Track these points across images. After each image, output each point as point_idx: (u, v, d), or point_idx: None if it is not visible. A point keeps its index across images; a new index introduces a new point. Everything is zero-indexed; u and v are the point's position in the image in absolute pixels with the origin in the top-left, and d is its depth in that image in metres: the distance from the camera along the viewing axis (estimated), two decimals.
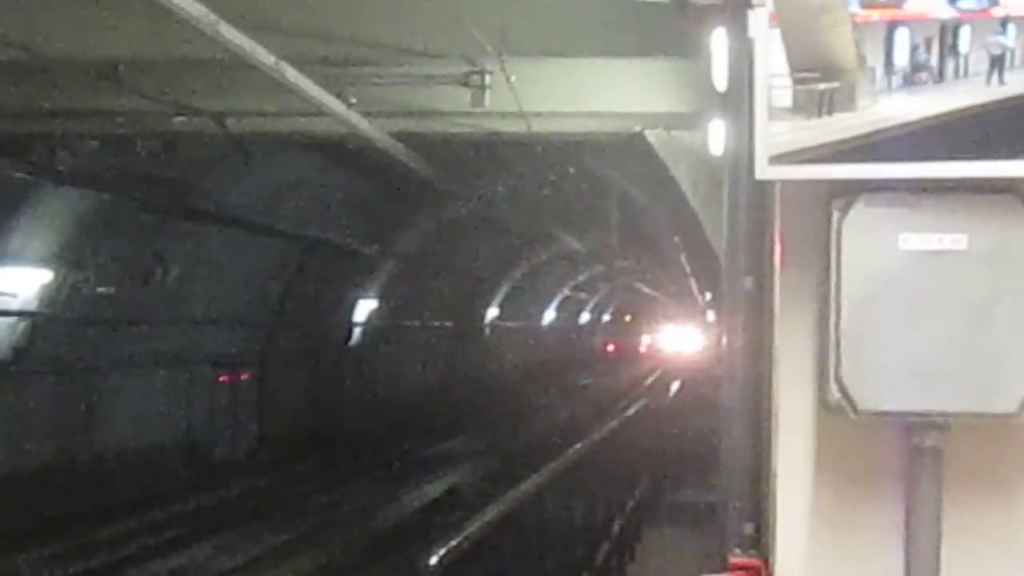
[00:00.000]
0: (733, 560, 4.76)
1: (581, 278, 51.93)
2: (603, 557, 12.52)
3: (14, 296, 19.35)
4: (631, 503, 15.92)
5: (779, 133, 4.37)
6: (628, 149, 15.40)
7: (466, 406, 39.19)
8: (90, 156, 17.79)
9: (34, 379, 20.69)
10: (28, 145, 16.58)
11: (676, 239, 27.46)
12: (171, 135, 16.16)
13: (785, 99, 4.40)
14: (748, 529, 4.95)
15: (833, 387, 4.36)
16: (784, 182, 4.56)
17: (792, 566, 4.63)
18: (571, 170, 20.86)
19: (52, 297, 20.29)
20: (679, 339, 65.04)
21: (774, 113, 4.38)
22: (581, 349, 63.18)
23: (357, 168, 22.98)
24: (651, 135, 13.69)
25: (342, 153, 20.86)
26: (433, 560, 5.01)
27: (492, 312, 45.43)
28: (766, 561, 4.74)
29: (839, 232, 4.36)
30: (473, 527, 5.98)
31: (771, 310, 4.78)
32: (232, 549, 19.18)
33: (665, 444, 21.78)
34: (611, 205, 26.00)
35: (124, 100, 13.14)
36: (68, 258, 20.10)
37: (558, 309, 56.20)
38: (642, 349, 73.92)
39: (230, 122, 14.10)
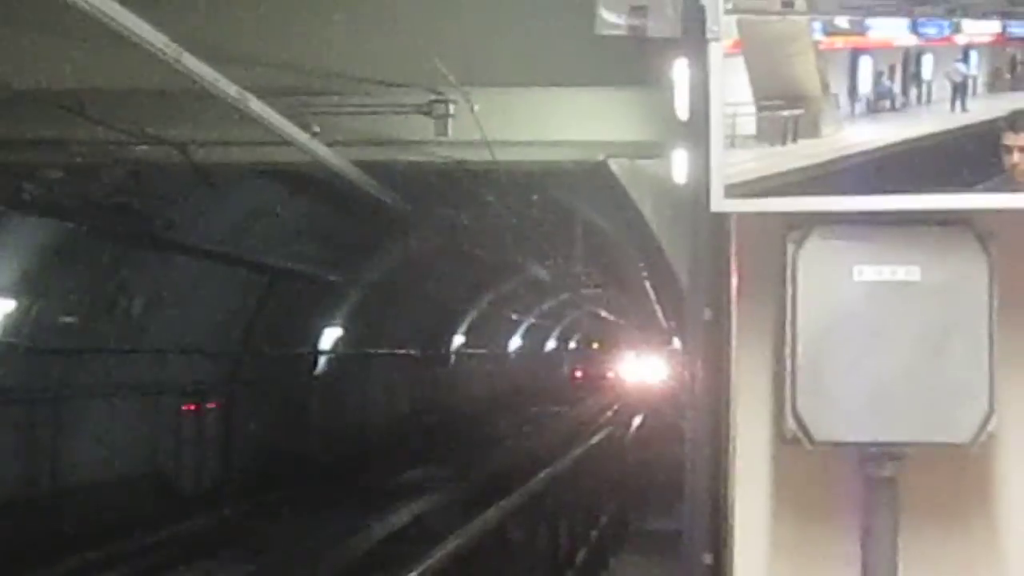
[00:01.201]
0: None
1: (547, 306, 51.98)
2: None
3: None
4: (595, 532, 15.94)
5: (742, 161, 4.40)
6: (592, 178, 15.40)
7: (433, 434, 39.12)
8: (54, 186, 17.72)
9: None
10: None
11: (641, 267, 27.51)
12: (135, 165, 16.12)
13: (750, 127, 4.43)
14: (707, 559, 4.97)
15: (790, 418, 4.40)
16: (741, 214, 4.59)
17: None
18: (536, 199, 20.90)
19: (15, 326, 20.19)
20: (645, 367, 64.68)
21: (738, 141, 4.41)
22: (548, 376, 63.16)
23: (322, 197, 22.96)
24: (615, 164, 13.70)
25: (307, 182, 20.85)
26: None
27: (458, 340, 45.46)
28: None
29: (794, 264, 4.40)
30: (435, 557, 5.99)
31: (729, 342, 4.81)
32: None
33: (631, 472, 21.80)
34: (576, 234, 26.02)
35: (87, 130, 13.09)
36: (31, 287, 20.01)
37: (524, 336, 56.24)
38: (610, 375, 73.84)
39: (193, 151, 14.07)
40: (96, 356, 22.56)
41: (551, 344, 64.53)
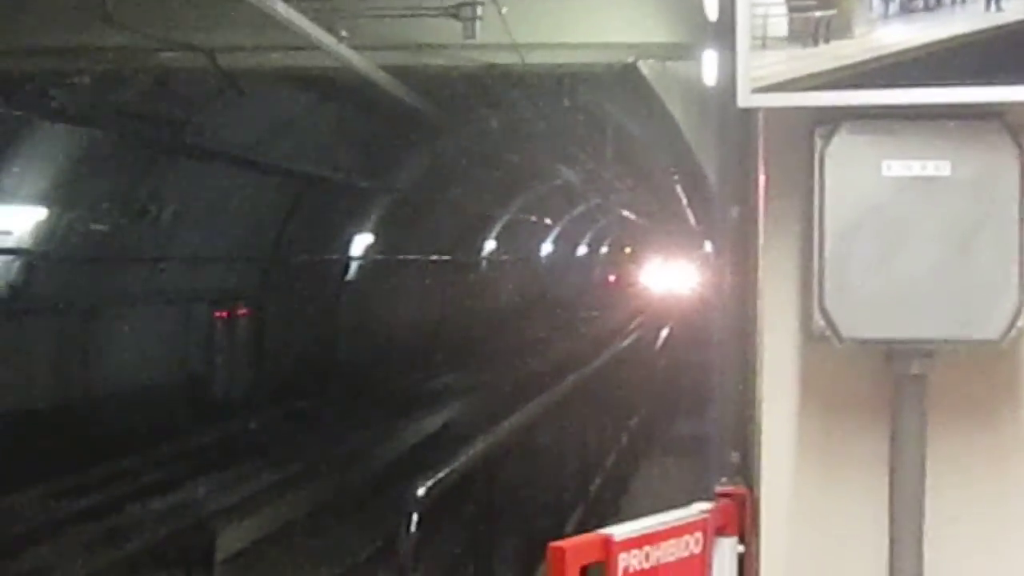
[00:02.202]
0: (718, 489, 4.78)
1: (578, 211, 51.89)
2: (596, 489, 12.59)
3: (8, 234, 19.33)
4: (625, 435, 15.99)
5: (772, 63, 4.34)
6: (622, 81, 15.32)
7: (464, 339, 39.24)
8: (83, 93, 17.72)
9: (30, 317, 20.70)
10: (20, 83, 16.52)
11: (672, 171, 27.42)
12: (162, 71, 16.11)
13: (781, 28, 4.37)
14: (734, 458, 4.98)
15: (817, 316, 4.36)
16: (768, 111, 4.54)
17: (777, 494, 4.65)
18: (566, 102, 20.78)
19: (47, 235, 20.27)
20: (677, 273, 63.91)
21: (770, 43, 4.35)
22: (579, 281, 63.11)
23: (352, 103, 22.89)
24: (645, 66, 13.62)
25: (337, 88, 20.78)
26: (420, 491, 5.03)
27: (490, 245, 45.43)
28: (752, 489, 4.76)
29: (822, 160, 4.35)
30: (462, 459, 6.01)
31: (756, 240, 4.78)
32: (231, 486, 19.26)
33: (662, 375, 21.81)
34: (607, 137, 25.91)
35: (114, 36, 13.08)
36: (62, 196, 20.06)
37: (555, 242, 56.21)
38: (641, 280, 73.48)
39: (221, 58, 14.03)
40: (127, 264, 22.65)
41: (583, 250, 64.47)
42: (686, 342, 24.43)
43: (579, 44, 13.64)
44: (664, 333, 23.82)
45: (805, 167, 4.42)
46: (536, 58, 13.81)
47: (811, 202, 4.39)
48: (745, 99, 4.34)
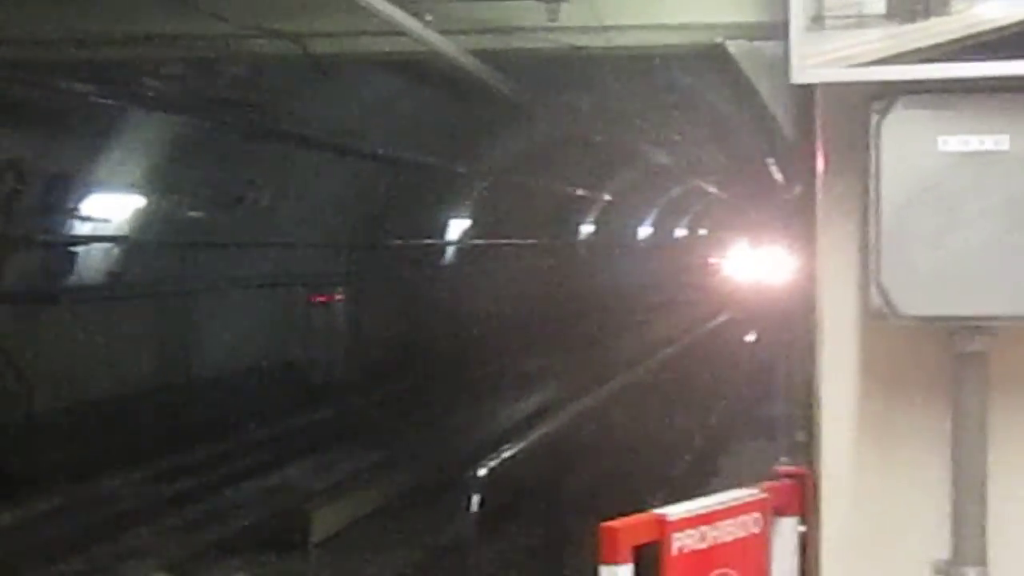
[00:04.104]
0: (780, 468, 4.75)
1: (676, 192, 51.63)
2: (683, 470, 12.54)
3: (107, 222, 19.59)
4: (714, 417, 15.92)
5: (866, 41, 4.30)
6: (710, 61, 15.20)
7: (560, 324, 39.21)
8: (176, 81, 17.89)
9: (129, 304, 20.97)
10: (114, 72, 16.69)
11: (764, 152, 27.20)
12: (253, 58, 16.21)
13: (879, 5, 4.31)
14: (799, 437, 4.95)
15: (875, 293, 4.33)
16: (826, 88, 4.52)
17: (837, 473, 4.62)
18: (656, 83, 20.66)
19: (145, 222, 20.52)
20: (776, 254, 62.47)
21: (867, 21, 4.31)
22: (676, 265, 62.76)
23: (443, 88, 22.92)
24: (732, 46, 13.49)
25: (427, 74, 20.82)
26: (481, 472, 5.05)
27: (586, 228, 45.35)
28: (813, 469, 4.73)
29: (878, 135, 4.31)
30: (530, 440, 6.02)
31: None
32: (327, 468, 19.42)
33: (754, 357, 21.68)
34: (699, 118, 25.75)
35: (204, 24, 13.18)
36: (159, 183, 20.29)
37: (653, 224, 56.01)
38: (741, 261, 72.39)
39: (311, 44, 14.10)
40: (224, 250, 22.86)
41: (681, 232, 64.14)
42: (777, 325, 24.24)
43: (665, 25, 13.52)
44: (756, 315, 23.68)
45: (862, 144, 4.38)
46: (623, 40, 13.73)
47: (867, 179, 4.35)
48: (799, 74, 4.31)
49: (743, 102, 17.98)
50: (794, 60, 4.29)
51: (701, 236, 68.93)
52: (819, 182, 4.61)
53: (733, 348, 19.30)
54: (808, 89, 4.67)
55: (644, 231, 55.63)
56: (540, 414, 23.52)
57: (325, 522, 15.52)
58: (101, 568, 14.27)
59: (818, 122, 4.59)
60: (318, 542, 15.10)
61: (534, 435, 5.90)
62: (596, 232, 45.96)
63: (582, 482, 7.17)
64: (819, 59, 4.31)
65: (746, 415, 17.65)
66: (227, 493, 17.95)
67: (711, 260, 70.49)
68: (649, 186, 46.29)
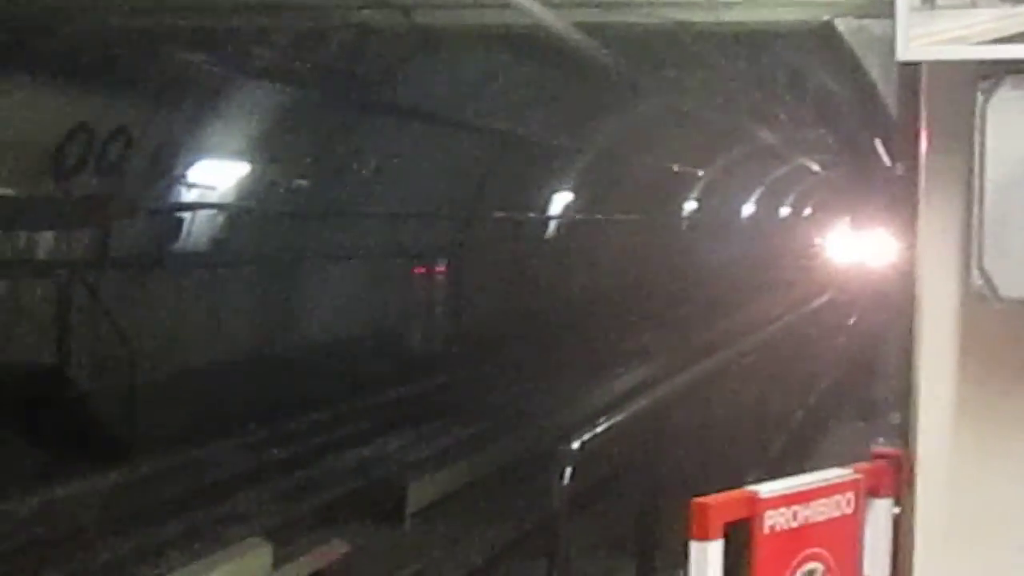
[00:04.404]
0: (875, 449, 4.71)
1: (781, 171, 51.23)
2: (779, 450, 12.49)
3: (213, 189, 19.78)
4: (813, 397, 15.81)
5: (981, 21, 4.22)
6: (818, 39, 15.05)
7: (664, 300, 39.11)
8: (283, 51, 18.00)
9: (233, 271, 21.18)
10: (222, 41, 16.82)
11: (872, 131, 26.88)
12: (360, 29, 16.28)
13: None
14: (895, 419, 4.90)
15: (976, 275, 4.26)
16: (932, 66, 4.45)
17: (933, 455, 4.57)
18: (763, 60, 20.49)
19: (250, 190, 20.69)
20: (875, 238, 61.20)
21: (976, 0, 4.24)
22: (781, 244, 62.30)
23: (549, 62, 22.88)
24: (841, 23, 13.35)
25: (533, 47, 20.79)
26: (575, 445, 5.05)
27: (690, 206, 45.16)
28: (909, 451, 4.68)
29: (984, 115, 4.24)
30: (626, 414, 6.01)
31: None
32: (425, 440, 19.53)
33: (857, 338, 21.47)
34: (806, 97, 25.50)
35: None
36: (264, 152, 20.44)
37: (757, 203, 55.64)
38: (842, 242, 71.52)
39: (417, 15, 14.13)
40: (328, 219, 23.01)
41: (785, 211, 63.65)
42: (879, 306, 24.02)
43: (773, 2, 13.43)
44: (858, 296, 23.46)
45: (967, 125, 4.32)
46: (729, 16, 13.66)
47: (972, 159, 4.29)
48: (905, 52, 4.25)
49: (851, 81, 17.80)
50: (900, 38, 4.23)
51: (805, 216, 68.33)
52: (923, 163, 4.56)
53: (834, 329, 19.14)
54: (915, 68, 4.60)
55: (748, 209, 55.29)
56: (639, 390, 23.52)
57: (421, 493, 15.61)
58: (201, 532, 14.43)
59: (923, 102, 4.53)
60: (414, 513, 15.17)
61: (630, 410, 5.90)
62: (699, 209, 45.75)
63: (677, 458, 7.15)
64: (926, 38, 4.25)
65: (846, 396, 17.54)
66: (325, 462, 18.10)
67: (814, 240, 69.78)
68: (754, 164, 45.96)
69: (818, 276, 53.20)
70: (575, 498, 4.88)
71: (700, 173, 42.76)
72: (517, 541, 14.25)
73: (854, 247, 59.09)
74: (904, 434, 4.77)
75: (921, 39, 4.21)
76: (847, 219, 62.75)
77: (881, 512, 4.58)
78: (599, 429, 5.36)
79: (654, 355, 28.30)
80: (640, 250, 39.55)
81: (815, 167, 48.34)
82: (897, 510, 4.64)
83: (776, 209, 61.60)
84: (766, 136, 34.30)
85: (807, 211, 68.22)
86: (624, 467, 5.96)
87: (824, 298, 18.65)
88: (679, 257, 43.82)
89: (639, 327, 33.88)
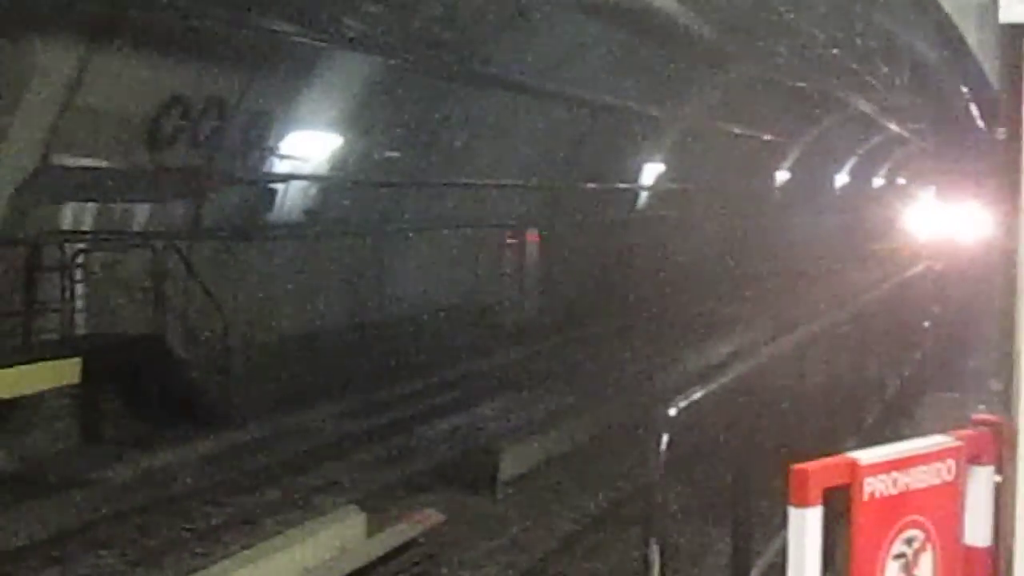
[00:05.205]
0: (975, 416, 4.66)
1: (875, 141, 50.74)
2: (874, 419, 12.37)
3: (305, 161, 19.88)
4: (907, 368, 15.65)
5: None
6: (914, 5, 14.87)
7: (750, 271, 38.93)
8: (374, 22, 18.04)
9: (326, 241, 21.30)
10: (314, 12, 16.89)
11: (970, 101, 26.51)
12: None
13: None
14: (995, 386, 4.85)
15: None
16: None
17: None
18: (857, 27, 20.29)
19: (342, 161, 20.79)
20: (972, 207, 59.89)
21: None
22: (874, 215, 61.72)
23: (639, 31, 22.80)
24: None
25: (624, 16, 20.71)
26: (672, 412, 5.04)
27: (781, 176, 44.86)
28: (1011, 419, 4.62)
29: None
30: (721, 381, 5.99)
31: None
32: (517, 409, 19.56)
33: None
34: (901, 64, 25.22)
35: None
36: (356, 123, 20.52)
37: (851, 172, 55.15)
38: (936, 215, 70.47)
39: None
40: (419, 189, 23.08)
41: (879, 181, 63.06)
42: (977, 276, 23.72)
43: None
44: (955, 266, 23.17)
45: None
46: None
47: None
48: (1007, 13, 4.19)
49: (946, 46, 17.57)
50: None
51: (899, 185, 67.59)
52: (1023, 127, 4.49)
53: (929, 298, 18.93)
54: (1017, 32, 4.54)
55: (841, 179, 54.81)
56: (732, 359, 23.43)
57: (514, 462, 15.63)
58: (294, 500, 14.56)
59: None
60: (506, 481, 15.20)
61: (725, 378, 5.88)
62: (791, 179, 45.43)
63: (773, 426, 7.12)
64: None
65: (941, 366, 17.40)
66: (418, 431, 18.19)
67: (906, 208, 68.94)
68: (847, 133, 45.57)
69: (914, 244, 52.52)
70: (671, 465, 4.88)
71: (792, 143, 42.45)
72: (610, 509, 14.25)
73: (942, 218, 57.86)
74: (1006, 401, 4.71)
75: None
76: (946, 187, 61.58)
77: (982, 480, 4.53)
78: (696, 396, 5.34)
79: (747, 325, 28.17)
80: (732, 220, 39.38)
81: (909, 136, 47.82)
82: (999, 478, 4.59)
83: (869, 179, 61.04)
84: (859, 104, 33.95)
85: (901, 181, 67.52)
86: (720, 434, 5.96)
87: (918, 268, 18.40)
88: (771, 227, 43.58)
89: (731, 297, 33.76)
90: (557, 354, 24.77)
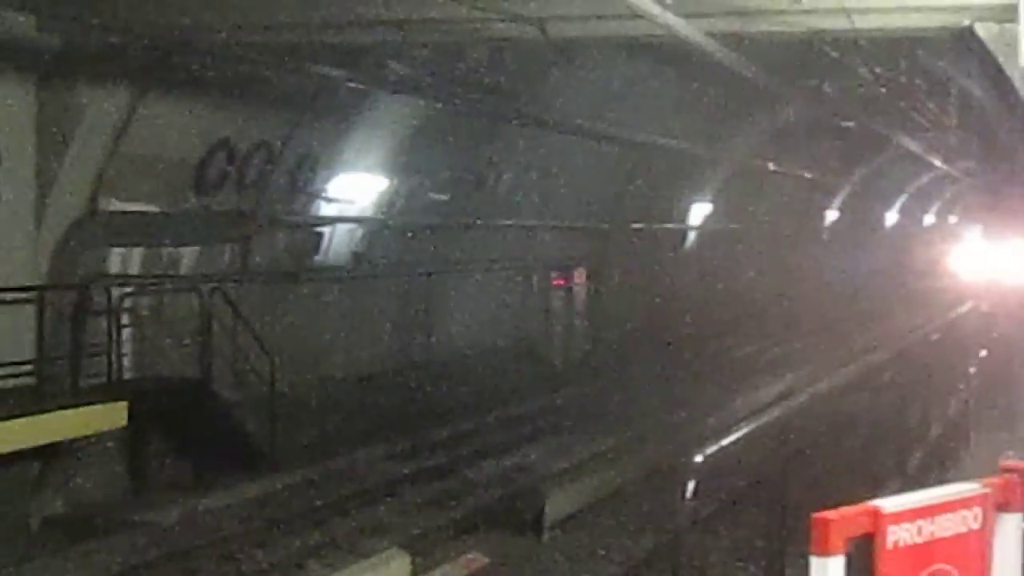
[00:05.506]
0: (1003, 463, 4.61)
1: (925, 179, 50.53)
2: (917, 465, 12.28)
3: (352, 203, 19.99)
4: (954, 406, 15.54)
5: None
6: (959, 44, 14.84)
7: (803, 309, 38.76)
8: (420, 65, 18.13)
9: (373, 284, 21.37)
10: (360, 56, 17.00)
11: (1017, 138, 26.39)
12: (495, 42, 16.35)
13: None
14: None
15: None
16: None
17: None
18: (903, 66, 20.22)
19: (388, 204, 20.88)
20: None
21: None
22: (924, 253, 61.33)
23: (684, 72, 22.82)
24: (981, 28, 13.15)
25: (668, 57, 20.75)
26: (698, 459, 5.03)
27: (831, 215, 44.72)
28: None
29: None
30: (756, 424, 5.97)
31: None
32: (563, 451, 19.50)
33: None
34: (948, 103, 25.15)
35: (448, 8, 13.35)
36: (402, 165, 20.62)
37: (901, 211, 54.92)
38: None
39: (551, 27, 14.16)
40: (466, 231, 23.14)
41: (929, 219, 62.73)
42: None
43: (911, 7, 13.27)
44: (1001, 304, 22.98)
45: None
46: (866, 23, 13.51)
47: None
48: None
49: (993, 85, 17.50)
50: (1023, 41, 4.17)
51: (951, 224, 67.25)
52: None
53: (975, 339, 18.79)
54: None
55: (891, 217, 54.59)
56: (778, 401, 23.31)
57: (561, 504, 15.58)
58: (340, 543, 14.56)
59: None
60: (552, 524, 15.15)
61: (763, 419, 5.86)
62: (841, 218, 45.28)
63: (811, 470, 7.08)
64: None
65: (985, 407, 17.26)
66: (464, 472, 18.17)
67: (954, 247, 68.39)
68: (897, 171, 45.42)
69: (962, 284, 52.12)
70: (724, 507, 4.85)
71: (841, 181, 42.32)
72: (656, 552, 14.17)
73: (988, 257, 57.10)
74: None
75: None
76: (995, 226, 60.95)
77: (1010, 527, 4.48)
78: (725, 442, 5.32)
79: (793, 365, 28.03)
80: (780, 260, 39.26)
81: (960, 174, 47.61)
82: None
83: (920, 217, 60.75)
84: (908, 143, 33.84)
85: (952, 219, 67.15)
86: (754, 480, 5.91)
87: (966, 306, 18.29)
88: (820, 267, 43.42)
89: (780, 338, 33.61)
90: (604, 395, 24.70)
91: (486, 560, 13.00)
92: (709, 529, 13.99)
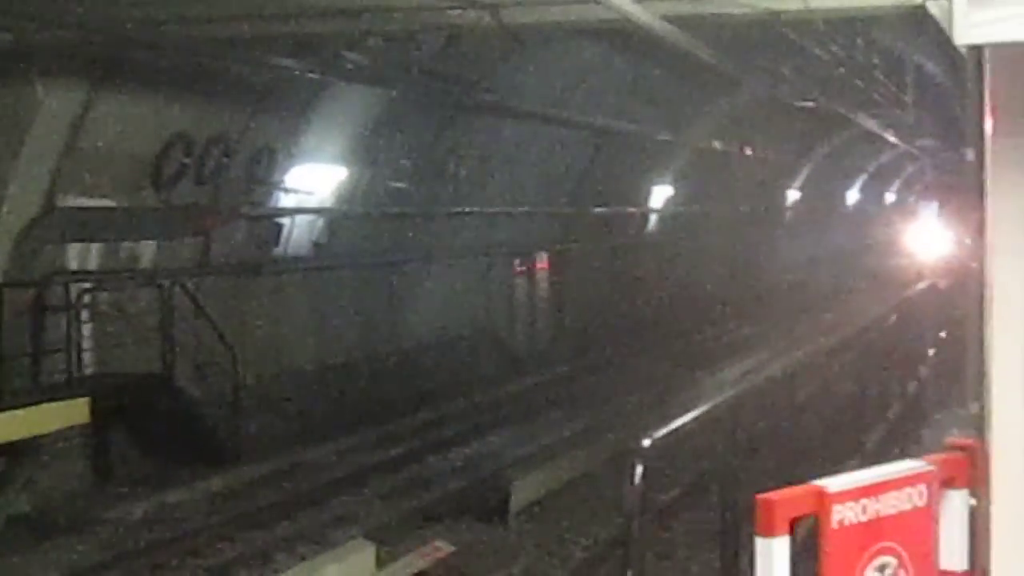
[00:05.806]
0: (949, 439, 4.64)
1: (884, 158, 50.65)
2: (877, 441, 12.33)
3: (311, 194, 19.93)
4: (913, 384, 15.60)
5: None
6: (913, 23, 14.88)
7: (761, 293, 38.82)
8: (375, 54, 18.07)
9: (333, 275, 21.32)
10: (315, 46, 16.93)
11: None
12: (449, 29, 16.30)
13: None
14: (973, 408, 4.83)
15: None
16: (995, 51, 4.39)
17: (1010, 446, 4.50)
18: (858, 45, 20.23)
19: (347, 194, 20.83)
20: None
21: None
22: (885, 231, 61.45)
23: (642, 56, 22.83)
24: (934, 7, 13.17)
25: (626, 41, 20.73)
26: (646, 443, 5.04)
27: (792, 196, 44.78)
28: (985, 442, 4.61)
29: None
30: (693, 412, 5.98)
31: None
32: (528, 438, 19.50)
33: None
34: (905, 81, 25.21)
35: None
36: (361, 155, 20.57)
37: (862, 191, 55.06)
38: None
39: (504, 14, 14.12)
40: (426, 220, 23.10)
41: (891, 198, 62.89)
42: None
43: None
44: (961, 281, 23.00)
45: None
46: (821, 3, 13.52)
47: None
48: (962, 36, 4.21)
49: (947, 64, 17.59)
50: (958, 21, 4.19)
51: (910, 202, 67.35)
52: (988, 147, 4.49)
53: (933, 317, 18.85)
54: (972, 56, 4.55)
55: (852, 197, 54.71)
56: (739, 382, 23.33)
57: (525, 491, 15.58)
58: (306, 534, 14.54)
59: (986, 85, 4.47)
60: (517, 511, 15.15)
61: (719, 399, 5.89)
62: (802, 198, 45.35)
63: (770, 451, 7.10)
64: (988, 17, 4.19)
65: (944, 384, 17.33)
66: (429, 462, 18.16)
67: (913, 225, 68.47)
68: (856, 151, 45.51)
69: (920, 260, 52.24)
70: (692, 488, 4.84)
71: (800, 162, 42.40)
72: (622, 537, 14.16)
73: (944, 236, 57.22)
74: (979, 424, 4.70)
75: (980, 24, 4.16)
76: (953, 203, 61.13)
77: (957, 504, 4.51)
78: (674, 425, 5.33)
79: (758, 346, 28.08)
80: (741, 241, 39.32)
81: (920, 153, 47.73)
82: (974, 501, 4.57)
83: (881, 196, 60.90)
84: (866, 122, 33.93)
85: (912, 198, 67.34)
86: (706, 462, 5.92)
87: (924, 283, 18.41)
88: (782, 247, 43.51)
89: (741, 319, 33.67)
90: (568, 381, 24.72)
91: (452, 548, 12.99)
92: (671, 514, 14.11)
